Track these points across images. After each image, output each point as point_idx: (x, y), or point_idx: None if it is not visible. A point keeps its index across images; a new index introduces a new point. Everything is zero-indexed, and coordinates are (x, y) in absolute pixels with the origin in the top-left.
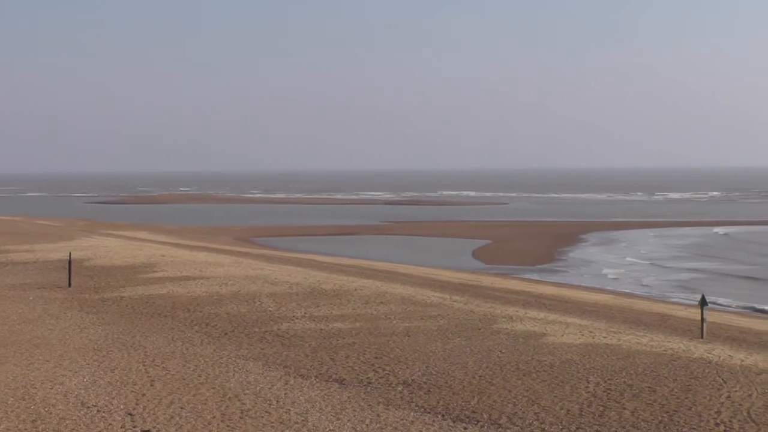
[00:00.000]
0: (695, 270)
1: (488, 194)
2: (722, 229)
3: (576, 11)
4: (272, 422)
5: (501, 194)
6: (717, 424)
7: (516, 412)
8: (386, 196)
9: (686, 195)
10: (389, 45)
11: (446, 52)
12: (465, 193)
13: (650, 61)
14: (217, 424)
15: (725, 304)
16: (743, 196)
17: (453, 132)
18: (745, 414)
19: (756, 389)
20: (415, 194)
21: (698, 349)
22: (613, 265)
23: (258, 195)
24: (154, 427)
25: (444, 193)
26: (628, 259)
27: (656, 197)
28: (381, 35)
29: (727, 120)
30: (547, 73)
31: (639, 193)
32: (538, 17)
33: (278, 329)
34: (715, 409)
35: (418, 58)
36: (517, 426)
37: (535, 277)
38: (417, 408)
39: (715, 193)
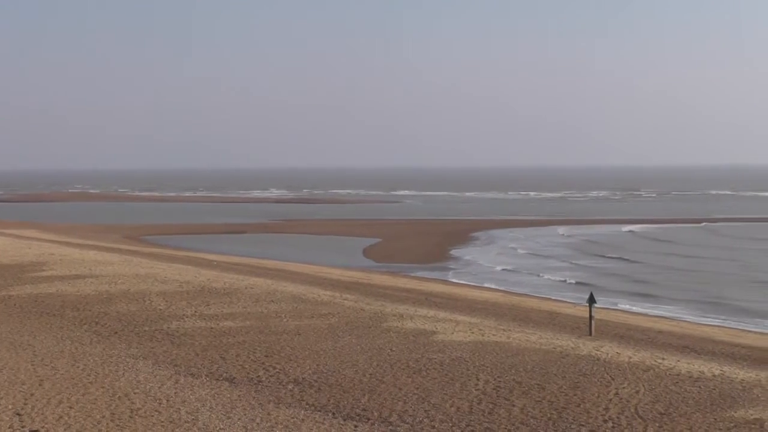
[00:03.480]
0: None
1: (381, 193)
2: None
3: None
4: (162, 421)
5: (394, 193)
6: (605, 421)
7: (406, 410)
8: (276, 194)
9: (556, 194)
10: (288, 40)
11: (335, 49)
12: (356, 191)
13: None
14: (107, 424)
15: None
16: (623, 197)
17: (343, 130)
18: (632, 410)
19: (643, 386)
20: (306, 192)
21: (587, 347)
22: (498, 263)
23: (141, 194)
24: (43, 427)
25: (335, 191)
26: (503, 259)
27: (532, 196)
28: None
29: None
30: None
31: (533, 192)
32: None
33: (168, 328)
34: (604, 406)
35: (312, 53)
36: (408, 424)
37: (425, 275)
38: (307, 406)
39: (594, 193)
